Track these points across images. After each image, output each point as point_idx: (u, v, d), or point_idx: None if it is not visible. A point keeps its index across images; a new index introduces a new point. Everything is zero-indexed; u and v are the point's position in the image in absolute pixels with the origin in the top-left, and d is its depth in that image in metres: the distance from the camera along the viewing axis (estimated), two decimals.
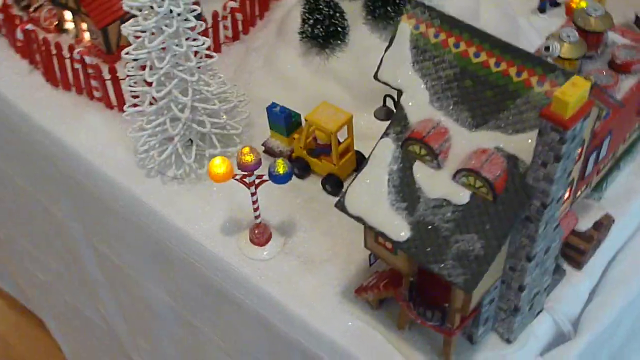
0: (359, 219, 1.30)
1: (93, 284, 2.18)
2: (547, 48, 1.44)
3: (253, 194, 1.52)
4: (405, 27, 1.31)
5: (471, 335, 1.45)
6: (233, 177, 1.50)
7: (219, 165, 1.47)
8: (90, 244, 2.03)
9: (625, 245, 1.65)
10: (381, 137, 1.31)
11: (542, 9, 2.08)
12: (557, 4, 2.07)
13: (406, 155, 1.29)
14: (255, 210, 1.55)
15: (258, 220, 1.57)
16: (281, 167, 1.47)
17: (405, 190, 1.28)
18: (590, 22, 1.53)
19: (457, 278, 1.21)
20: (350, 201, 1.31)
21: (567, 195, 1.32)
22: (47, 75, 1.95)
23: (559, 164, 1.15)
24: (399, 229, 1.26)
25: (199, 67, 1.63)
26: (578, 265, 1.59)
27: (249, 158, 1.46)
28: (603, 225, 1.57)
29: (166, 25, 1.53)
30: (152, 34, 1.55)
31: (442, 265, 1.23)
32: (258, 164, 1.47)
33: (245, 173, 1.49)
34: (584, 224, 1.56)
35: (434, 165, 1.26)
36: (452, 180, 1.25)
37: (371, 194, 1.29)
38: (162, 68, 1.55)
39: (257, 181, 1.49)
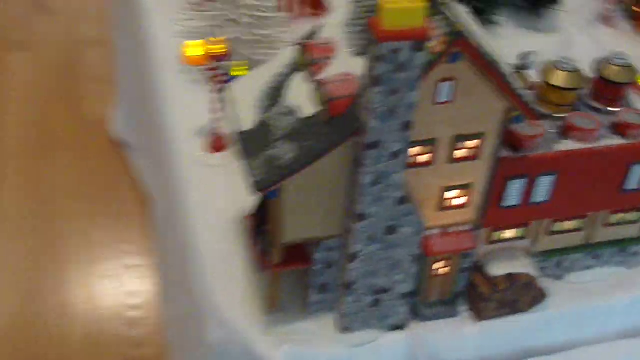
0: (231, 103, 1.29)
1: None
2: (524, 57, 1.34)
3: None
4: None
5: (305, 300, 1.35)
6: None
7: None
8: None
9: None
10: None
11: None
12: None
13: (297, 63, 1.27)
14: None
15: None
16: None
17: (274, 92, 1.26)
18: (612, 71, 1.38)
19: (255, 176, 1.16)
20: (235, 88, 1.31)
21: (425, 159, 1.19)
22: None
23: (375, 89, 1.07)
24: (248, 123, 1.24)
25: None
26: (477, 313, 1.39)
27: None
28: (518, 282, 1.37)
29: None
30: None
31: (253, 162, 1.18)
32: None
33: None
34: (498, 269, 1.38)
35: (308, 76, 1.23)
36: (311, 93, 1.20)
37: (250, 89, 1.29)
38: None
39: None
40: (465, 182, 1.26)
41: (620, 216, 1.43)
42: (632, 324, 1.49)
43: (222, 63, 1.50)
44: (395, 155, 1.14)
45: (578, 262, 1.47)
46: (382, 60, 1.04)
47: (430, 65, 1.10)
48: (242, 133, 1.21)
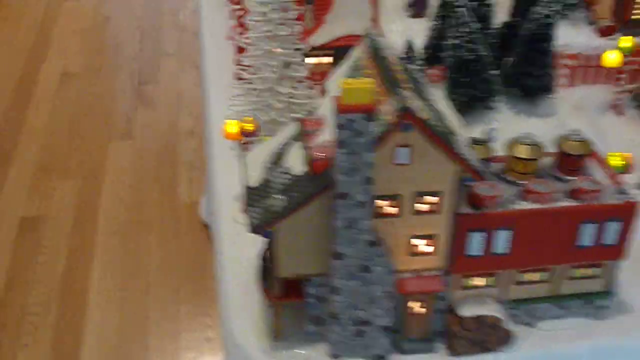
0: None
1: None
2: (489, 132, 1.63)
3: None
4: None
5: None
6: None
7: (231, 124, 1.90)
8: None
9: None
10: None
11: None
12: None
13: (297, 134, 1.59)
14: None
15: None
16: None
17: (278, 157, 1.58)
18: (570, 145, 1.64)
19: (253, 220, 1.48)
20: (250, 155, 1.65)
21: (393, 211, 1.47)
22: None
23: (339, 151, 1.38)
24: (255, 180, 1.57)
25: None
26: (451, 349, 1.64)
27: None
28: (485, 323, 1.61)
29: None
30: None
31: (253, 209, 1.50)
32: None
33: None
34: (467, 311, 1.62)
35: (302, 144, 1.55)
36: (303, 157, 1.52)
37: (261, 155, 1.62)
38: None
39: None
40: (429, 233, 1.53)
41: (581, 271, 1.65)
42: None
43: (252, 138, 1.84)
44: (361, 204, 1.43)
45: (547, 312, 1.68)
46: (342, 128, 1.35)
47: (386, 133, 1.39)
48: (247, 188, 1.53)
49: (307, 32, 2.26)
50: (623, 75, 2.31)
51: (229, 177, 2.02)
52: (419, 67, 1.93)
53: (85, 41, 5.07)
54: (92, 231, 3.88)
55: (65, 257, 3.76)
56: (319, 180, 1.45)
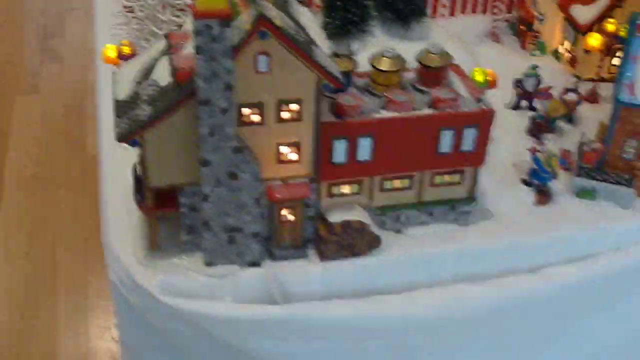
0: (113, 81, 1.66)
1: None
2: (348, 46, 1.69)
3: None
4: None
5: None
6: None
7: None
8: None
9: None
10: None
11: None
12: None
13: (165, 48, 1.64)
14: None
15: None
16: None
17: (147, 71, 1.62)
18: (429, 58, 1.72)
19: (118, 129, 1.52)
20: (120, 70, 1.68)
21: (257, 119, 1.53)
22: None
23: (198, 57, 1.43)
24: (123, 93, 1.61)
25: None
26: (320, 254, 1.71)
27: None
28: (351, 227, 1.69)
29: None
30: None
31: (120, 120, 1.54)
32: None
33: None
34: (335, 218, 1.70)
35: (169, 57, 1.59)
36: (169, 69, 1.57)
37: (130, 71, 1.66)
38: None
39: None
40: (293, 140, 1.59)
41: (443, 178, 1.75)
42: (461, 271, 1.78)
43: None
44: (223, 111, 1.49)
45: (413, 218, 1.77)
46: (199, 34, 1.40)
47: (244, 40, 1.45)
48: (116, 101, 1.58)
49: None
50: (500, 4, 2.41)
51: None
52: None
53: None
54: None
55: None
56: (183, 90, 1.50)
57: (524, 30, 2.42)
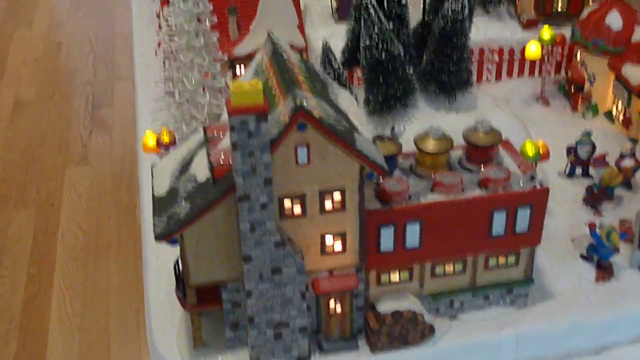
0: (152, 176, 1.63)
1: None
2: (392, 129, 1.64)
3: None
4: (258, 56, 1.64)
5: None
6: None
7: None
8: None
9: None
10: None
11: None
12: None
13: (203, 141, 1.60)
14: None
15: None
16: None
17: (185, 164, 1.59)
18: (477, 137, 1.66)
19: (157, 229, 1.48)
20: (159, 163, 1.65)
21: (299, 210, 1.48)
22: None
23: (236, 153, 1.38)
24: (162, 189, 1.57)
25: None
26: (371, 345, 1.64)
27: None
28: (403, 317, 1.61)
29: None
30: None
31: (158, 218, 1.50)
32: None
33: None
34: (385, 307, 1.62)
35: (207, 151, 1.55)
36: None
37: (168, 164, 1.62)
38: None
39: None
40: (338, 231, 1.53)
41: (498, 260, 1.66)
42: (521, 356, 1.68)
43: (169, 149, 1.84)
44: (263, 206, 1.43)
45: (468, 303, 1.69)
46: (235, 130, 1.36)
47: (282, 133, 1.40)
48: (154, 197, 1.54)
49: (232, 43, 2.28)
50: (547, 66, 2.33)
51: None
52: (338, 70, 1.94)
53: (38, 69, 5.05)
54: (51, 259, 3.85)
55: (24, 287, 3.72)
56: (221, 186, 1.45)
57: (575, 92, 2.34)
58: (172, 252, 1.71)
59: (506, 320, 1.69)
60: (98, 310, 3.53)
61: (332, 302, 1.59)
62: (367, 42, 1.90)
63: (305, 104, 1.39)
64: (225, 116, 1.58)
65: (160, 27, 2.28)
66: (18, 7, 5.70)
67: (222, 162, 1.46)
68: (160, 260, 1.79)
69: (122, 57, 5.18)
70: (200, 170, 1.52)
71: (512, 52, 2.33)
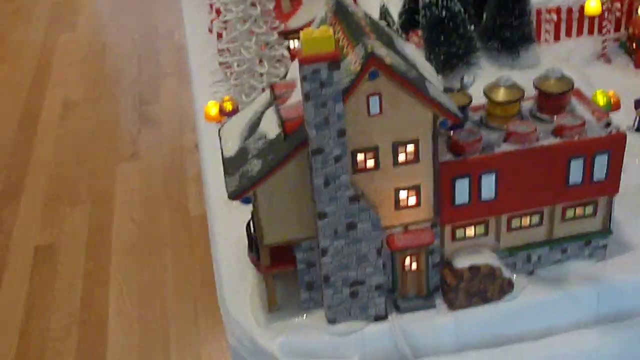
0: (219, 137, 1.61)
1: None
2: (461, 79, 1.60)
3: None
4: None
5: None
6: None
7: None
8: None
9: None
10: None
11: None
12: None
13: (270, 100, 1.58)
14: None
15: None
16: None
17: (252, 125, 1.57)
18: (548, 84, 1.62)
19: (229, 188, 1.46)
20: (226, 126, 1.63)
21: (372, 164, 1.45)
22: None
23: (307, 104, 1.36)
24: (231, 150, 1.55)
25: None
26: (449, 303, 1.60)
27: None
28: (480, 273, 1.57)
29: None
30: None
31: (230, 177, 1.49)
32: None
33: None
34: (462, 262, 1.59)
35: (274, 107, 1.54)
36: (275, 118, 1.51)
37: (235, 127, 1.61)
38: None
39: None
40: (412, 184, 1.50)
41: (575, 211, 1.61)
42: (604, 311, 1.63)
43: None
44: (337, 158, 1.41)
45: (546, 257, 1.64)
46: (307, 80, 1.33)
47: (353, 82, 1.37)
48: (224, 158, 1.52)
49: (286, 16, 2.26)
50: (607, 23, 2.28)
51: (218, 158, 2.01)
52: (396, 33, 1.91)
53: (85, 70, 5.10)
54: (106, 253, 3.88)
55: (81, 282, 3.75)
56: (293, 140, 1.43)
57: (637, 48, 2.27)
58: (239, 217, 1.70)
59: (585, 273, 1.65)
60: (155, 302, 3.54)
61: (407, 259, 1.56)
62: (427, 1, 1.87)
63: (376, 51, 1.36)
64: (290, 74, 1.56)
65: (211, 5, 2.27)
66: (61, 12, 5.77)
67: (292, 117, 1.43)
68: (227, 227, 1.78)
69: (166, 55, 5.21)
70: (270, 128, 1.50)
71: (570, 10, 2.27)
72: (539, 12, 2.25)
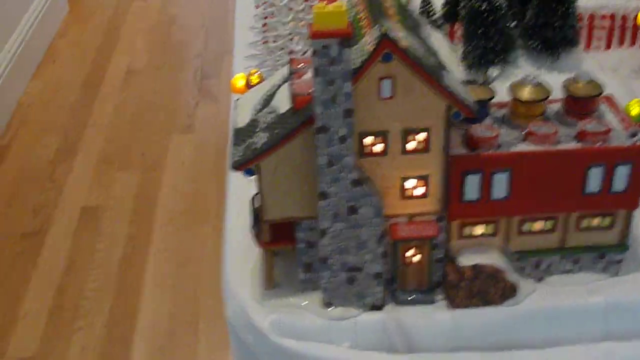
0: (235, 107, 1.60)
1: None
2: (485, 72, 1.56)
3: None
4: None
5: None
6: None
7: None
8: None
9: None
10: None
11: None
12: None
13: (287, 74, 1.56)
14: None
15: None
16: None
17: (267, 98, 1.56)
18: (576, 87, 1.56)
19: (234, 157, 1.46)
20: (242, 98, 1.63)
21: (380, 149, 1.42)
22: None
23: (316, 80, 1.34)
24: (243, 121, 1.55)
25: None
26: (449, 300, 1.57)
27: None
28: (483, 272, 1.53)
29: None
30: None
31: (236, 148, 1.48)
32: None
33: None
34: (466, 260, 1.55)
35: (289, 82, 1.52)
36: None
37: (252, 99, 1.60)
38: None
39: None
40: (420, 173, 1.46)
41: (591, 221, 1.55)
42: (610, 328, 1.57)
43: None
44: (343, 139, 1.38)
45: (556, 265, 1.59)
46: (317, 55, 1.31)
47: (365, 62, 1.34)
48: (235, 129, 1.51)
49: None
50: None
51: None
52: (437, 24, 1.87)
53: (151, 39, 5.18)
54: (149, 221, 3.94)
55: (122, 246, 3.82)
56: (301, 116, 1.41)
57: None
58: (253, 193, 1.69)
59: (596, 287, 1.58)
60: (190, 274, 3.57)
61: (410, 251, 1.52)
62: None
63: (392, 33, 1.33)
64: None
65: None
66: None
67: (303, 92, 1.41)
68: (240, 201, 1.77)
69: (232, 32, 5.24)
70: (282, 101, 1.48)
71: (624, 18, 2.19)
72: (591, 18, 2.18)
